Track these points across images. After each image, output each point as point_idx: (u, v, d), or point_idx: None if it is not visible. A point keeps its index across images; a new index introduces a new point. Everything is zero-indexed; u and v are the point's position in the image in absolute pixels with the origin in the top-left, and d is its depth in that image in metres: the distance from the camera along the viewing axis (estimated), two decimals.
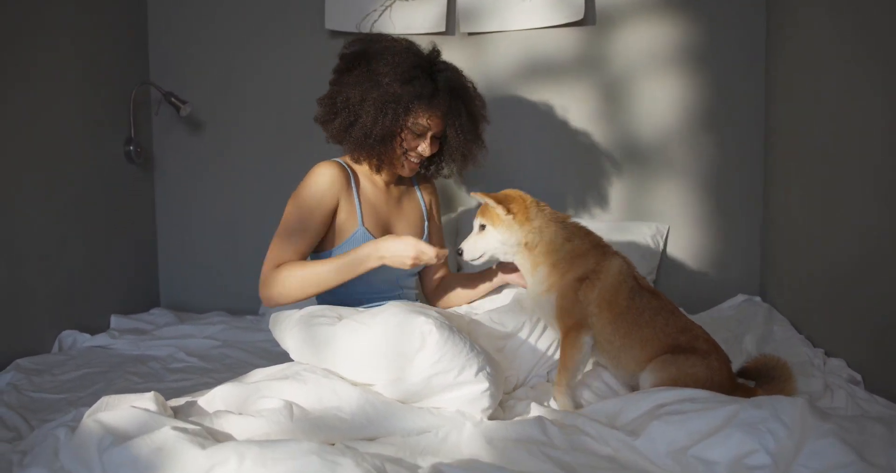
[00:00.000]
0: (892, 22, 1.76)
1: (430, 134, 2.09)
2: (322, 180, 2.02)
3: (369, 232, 2.07)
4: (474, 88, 2.21)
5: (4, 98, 2.33)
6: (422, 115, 2.04)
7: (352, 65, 2.08)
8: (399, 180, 2.26)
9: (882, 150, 1.79)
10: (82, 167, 2.72)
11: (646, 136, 2.93)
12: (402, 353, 1.60)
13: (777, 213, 2.71)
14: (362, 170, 2.16)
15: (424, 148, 2.09)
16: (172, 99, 2.97)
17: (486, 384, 1.60)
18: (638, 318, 1.77)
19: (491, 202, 1.84)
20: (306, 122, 3.03)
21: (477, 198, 1.88)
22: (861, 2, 1.94)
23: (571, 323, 1.77)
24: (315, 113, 2.15)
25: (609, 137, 2.94)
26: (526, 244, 1.85)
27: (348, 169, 2.11)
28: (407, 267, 1.87)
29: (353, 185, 2.09)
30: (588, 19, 2.90)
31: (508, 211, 1.84)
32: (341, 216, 2.05)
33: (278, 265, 1.94)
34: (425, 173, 2.30)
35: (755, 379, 1.82)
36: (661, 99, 2.90)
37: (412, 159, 2.11)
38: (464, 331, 1.77)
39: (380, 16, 2.98)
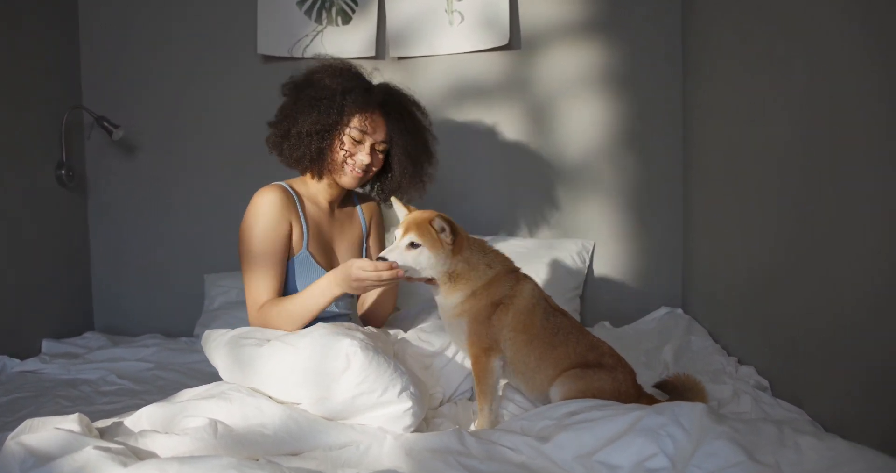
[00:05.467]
0: (792, 49, 1.89)
1: (368, 143, 2.08)
2: (269, 207, 2.02)
3: (312, 255, 2.08)
4: (418, 103, 2.23)
5: None
6: (357, 115, 2.05)
7: (292, 81, 2.15)
8: (343, 202, 2.28)
9: (789, 171, 1.91)
10: (12, 191, 2.71)
11: (571, 155, 3.03)
12: (327, 373, 1.65)
13: (696, 229, 2.84)
14: (305, 191, 2.17)
15: (364, 157, 2.08)
16: (104, 123, 2.98)
17: (409, 404, 1.65)
18: (552, 338, 1.81)
19: (447, 227, 1.76)
20: (240, 144, 3.09)
21: (435, 221, 1.77)
22: (765, 31, 2.07)
23: (483, 347, 1.79)
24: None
25: (536, 158, 3.04)
26: (452, 272, 1.81)
27: (291, 191, 2.11)
28: (384, 285, 1.85)
29: (298, 207, 2.09)
30: (513, 44, 3.01)
31: (453, 241, 1.78)
32: (293, 238, 2.07)
33: (261, 307, 1.98)
34: (376, 195, 2.31)
35: (671, 394, 1.90)
36: (585, 120, 3.02)
37: (355, 169, 2.09)
38: (390, 351, 1.82)
39: (311, 41, 3.04)
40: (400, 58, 3.05)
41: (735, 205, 2.36)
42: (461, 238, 1.81)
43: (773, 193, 2.03)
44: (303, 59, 3.04)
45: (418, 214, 1.83)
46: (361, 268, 1.78)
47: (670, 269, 3.03)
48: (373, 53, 3.03)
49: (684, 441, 1.40)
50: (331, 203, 2.22)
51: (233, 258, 3.05)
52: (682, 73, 2.96)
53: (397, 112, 2.13)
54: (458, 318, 1.83)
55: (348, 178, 2.11)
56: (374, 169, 2.15)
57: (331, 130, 2.05)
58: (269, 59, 3.08)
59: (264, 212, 2.01)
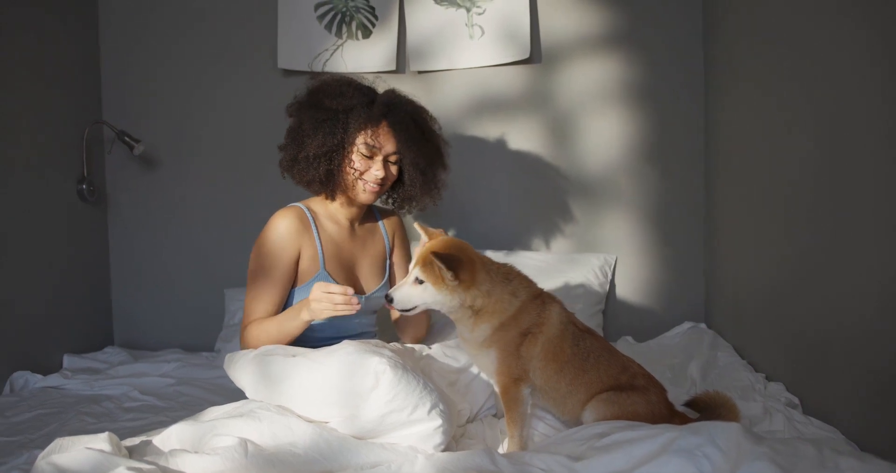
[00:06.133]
0: (817, 61, 1.87)
1: (380, 157, 2.08)
2: (280, 231, 2.04)
3: (330, 275, 2.09)
4: (423, 109, 2.21)
5: None
6: (362, 131, 2.05)
7: (295, 102, 2.14)
8: (364, 218, 2.27)
9: (814, 183, 1.90)
10: (34, 205, 2.72)
11: (593, 169, 3.02)
12: (356, 392, 1.63)
13: (719, 242, 2.82)
14: (323, 211, 2.17)
15: (378, 171, 2.07)
16: (126, 138, 2.99)
17: (439, 422, 1.63)
18: (583, 363, 1.77)
19: (440, 265, 1.69)
20: (260, 159, 3.09)
21: (434, 259, 1.71)
22: (791, 41, 2.05)
23: (513, 377, 1.75)
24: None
25: (557, 171, 3.03)
26: (471, 307, 1.76)
27: (307, 212, 2.11)
28: (337, 313, 1.83)
29: (313, 228, 2.10)
30: (534, 58, 3.01)
31: (456, 278, 1.71)
32: (304, 262, 2.08)
33: (247, 326, 2.03)
34: (393, 208, 2.32)
35: (701, 412, 1.86)
36: (606, 133, 3.00)
37: (369, 184, 2.09)
38: (417, 368, 1.81)
39: (331, 55, 3.04)
40: (420, 72, 3.05)
41: (759, 218, 2.34)
42: (466, 273, 1.73)
43: (797, 206, 2.01)
44: (323, 73, 3.04)
45: (432, 244, 1.78)
46: (318, 290, 1.82)
47: (693, 283, 3.00)
48: (393, 67, 3.03)
49: (721, 461, 1.37)
50: (351, 221, 2.22)
51: None
52: (703, 85, 2.95)
53: (403, 122, 2.10)
54: (486, 349, 1.78)
55: (364, 194, 2.12)
56: (388, 182, 2.14)
57: (338, 151, 2.05)
58: (289, 73, 3.09)
59: (273, 238, 2.05)
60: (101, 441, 1.48)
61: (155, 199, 3.20)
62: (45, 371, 2.61)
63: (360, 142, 2.05)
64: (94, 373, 2.63)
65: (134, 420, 2.12)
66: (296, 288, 2.10)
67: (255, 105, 3.13)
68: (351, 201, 2.17)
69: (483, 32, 2.98)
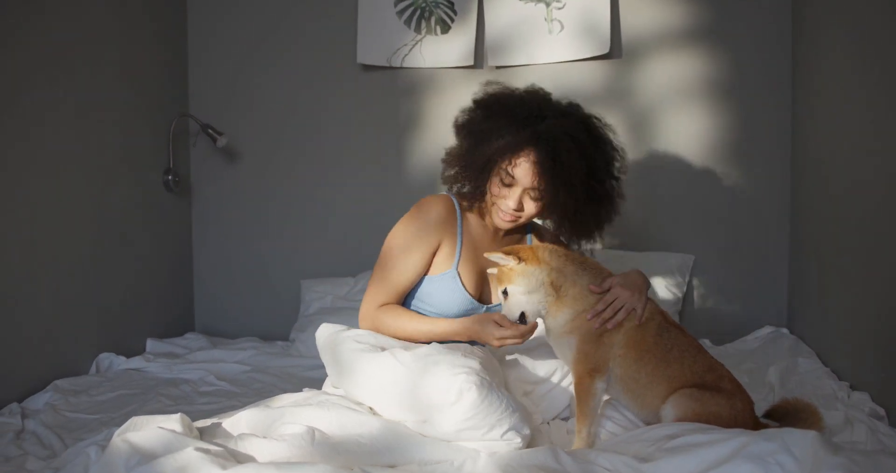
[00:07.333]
0: None
1: (520, 188, 1.87)
2: (430, 216, 1.95)
3: (459, 276, 1.98)
4: (599, 134, 1.96)
5: (51, 129, 2.44)
6: (506, 157, 1.84)
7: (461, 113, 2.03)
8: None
9: None
10: (123, 195, 2.83)
11: (671, 167, 2.95)
12: (435, 404, 1.59)
13: (804, 245, 2.71)
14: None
15: (510, 202, 1.88)
16: (209, 130, 3.08)
17: (513, 443, 1.59)
18: (666, 355, 1.72)
19: (497, 256, 1.73)
20: (339, 151, 3.14)
21: (489, 257, 1.76)
22: (884, 34, 1.96)
23: (589, 368, 1.72)
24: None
25: (634, 169, 2.94)
26: (552, 284, 1.73)
27: (456, 204, 2.01)
28: (494, 346, 1.79)
29: (458, 223, 2.00)
30: (614, 52, 2.95)
31: (519, 259, 1.72)
32: (441, 254, 1.98)
33: (379, 307, 1.94)
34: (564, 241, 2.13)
35: (782, 419, 1.78)
36: (686, 131, 2.93)
37: (504, 214, 1.92)
38: (500, 374, 1.76)
39: (410, 50, 3.06)
40: (498, 67, 3.03)
41: (849, 221, 2.24)
42: (526, 253, 1.74)
43: (890, 209, 1.91)
44: (401, 68, 3.07)
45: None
46: (500, 326, 1.74)
47: (775, 286, 2.90)
48: (471, 62, 3.03)
49: (795, 470, 1.31)
50: (496, 227, 2.06)
51: (328, 265, 3.12)
52: (790, 83, 2.84)
53: (551, 158, 1.82)
54: (567, 336, 1.76)
55: (500, 222, 1.97)
56: (525, 217, 1.95)
57: (484, 170, 1.89)
58: (368, 68, 3.12)
59: (424, 219, 1.95)
60: (173, 422, 1.52)
61: (236, 190, 3.29)
62: (129, 354, 2.70)
63: (502, 167, 1.86)
64: (174, 357, 2.72)
65: (209, 404, 2.19)
66: (428, 276, 2.00)
67: (334, 99, 3.17)
68: None
69: (562, 27, 2.95)
